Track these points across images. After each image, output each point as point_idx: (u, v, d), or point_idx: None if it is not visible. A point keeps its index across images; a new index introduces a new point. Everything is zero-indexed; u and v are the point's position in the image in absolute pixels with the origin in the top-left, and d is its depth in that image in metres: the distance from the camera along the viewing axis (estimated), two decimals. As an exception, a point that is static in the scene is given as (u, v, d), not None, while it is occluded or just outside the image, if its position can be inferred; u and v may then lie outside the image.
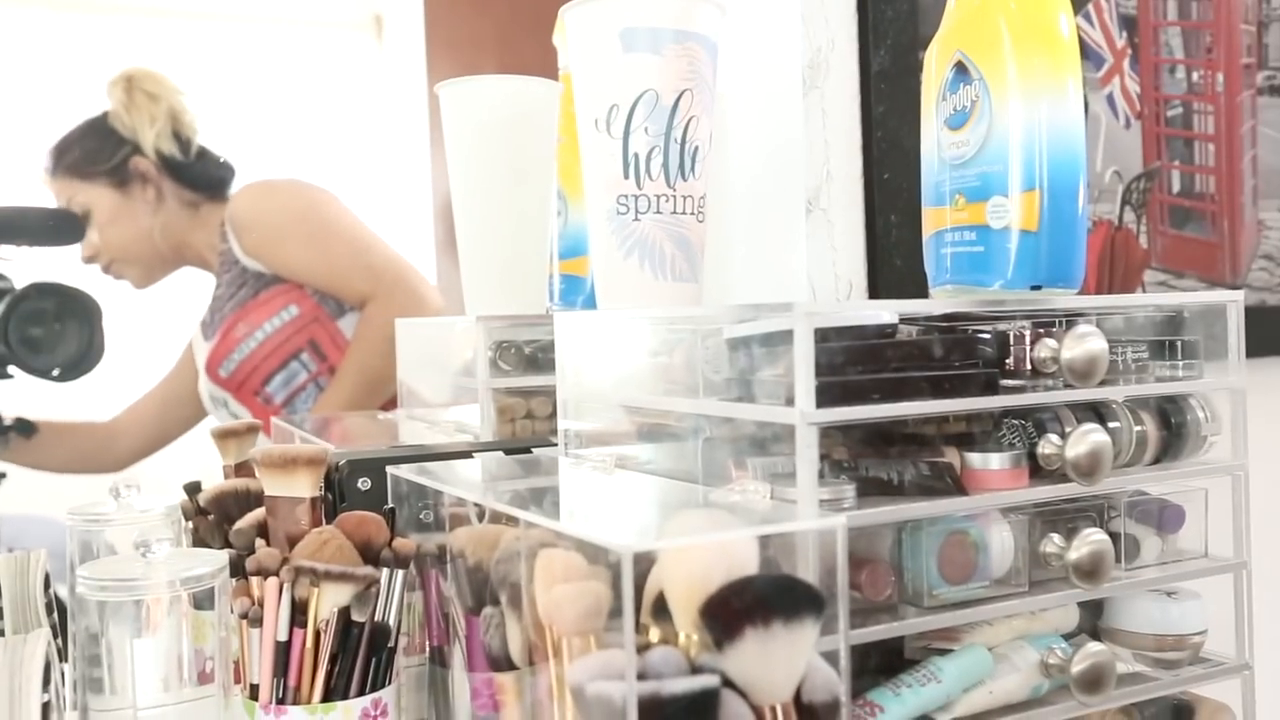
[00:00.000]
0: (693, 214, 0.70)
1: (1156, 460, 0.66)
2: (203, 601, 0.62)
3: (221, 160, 1.51)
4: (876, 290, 0.86)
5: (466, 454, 0.74)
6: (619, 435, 0.69)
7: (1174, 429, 0.66)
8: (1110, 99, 0.98)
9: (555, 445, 0.74)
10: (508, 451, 0.75)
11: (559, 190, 0.83)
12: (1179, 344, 0.67)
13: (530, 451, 0.75)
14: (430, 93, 1.41)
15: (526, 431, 0.83)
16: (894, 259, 0.87)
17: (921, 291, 0.88)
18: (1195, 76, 1.03)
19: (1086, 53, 0.97)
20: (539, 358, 0.83)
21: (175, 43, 2.32)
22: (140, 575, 0.59)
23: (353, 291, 1.39)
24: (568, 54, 0.74)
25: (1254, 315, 1.04)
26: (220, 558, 0.61)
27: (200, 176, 1.48)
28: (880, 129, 0.86)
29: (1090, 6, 0.97)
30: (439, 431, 0.90)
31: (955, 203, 0.64)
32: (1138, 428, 0.65)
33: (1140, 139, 1.00)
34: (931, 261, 0.68)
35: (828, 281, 0.85)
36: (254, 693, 0.58)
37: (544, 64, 0.90)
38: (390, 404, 1.33)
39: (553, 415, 0.76)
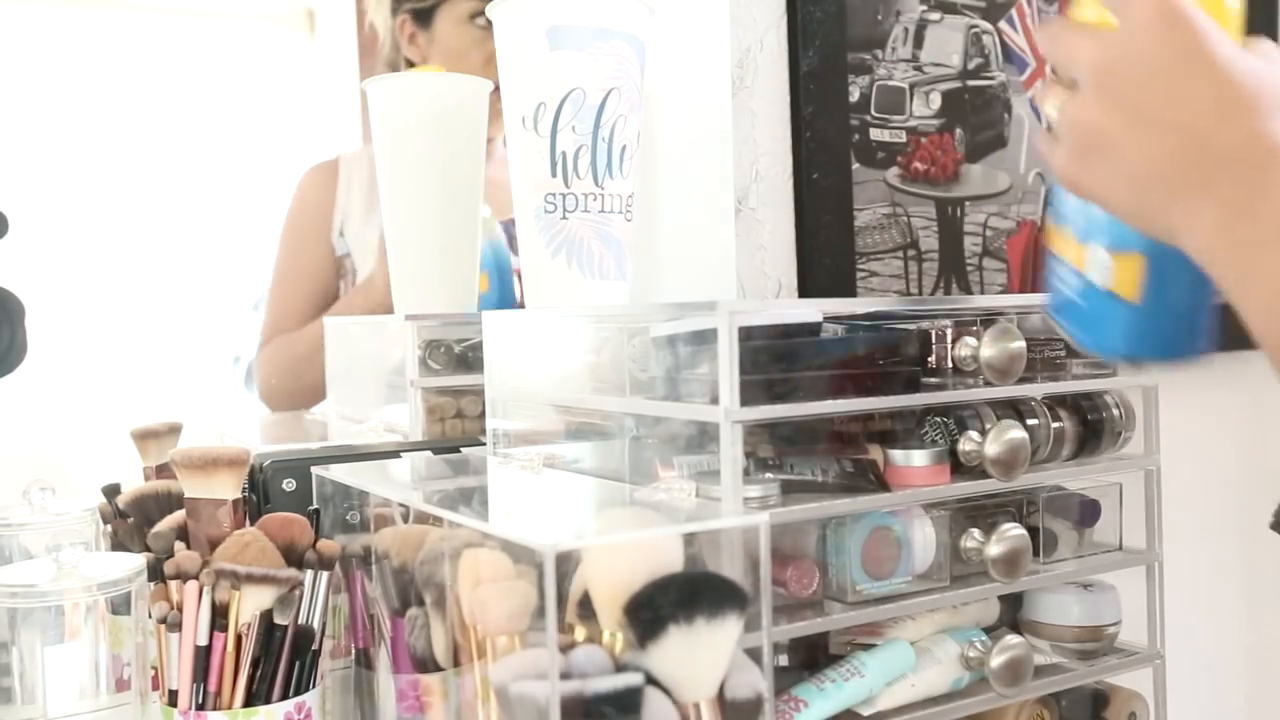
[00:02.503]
0: (621, 213, 0.71)
1: (1074, 456, 0.68)
2: (120, 607, 0.60)
3: None
4: (806, 289, 0.87)
5: (394, 454, 0.73)
6: (548, 434, 0.69)
7: (1090, 426, 0.68)
8: (1033, 102, 1.00)
9: (484, 445, 0.73)
10: (436, 451, 0.74)
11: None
12: (1095, 342, 0.68)
13: (458, 451, 0.75)
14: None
15: (456, 431, 0.82)
16: (823, 258, 0.88)
17: (850, 291, 0.89)
18: (1114, 81, 1.05)
19: (1010, 57, 0.99)
20: (469, 356, 0.82)
21: (100, 33, 2.27)
22: (52, 580, 0.57)
23: None
24: (496, 51, 0.74)
25: (1170, 314, 1.07)
26: (137, 561, 0.60)
27: None
28: (809, 129, 0.87)
29: (1014, 11, 0.99)
30: (368, 431, 0.89)
31: (1064, 233, 0.53)
32: (1055, 424, 0.66)
33: (1062, 142, 1.02)
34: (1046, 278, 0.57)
35: (757, 281, 0.85)
36: (172, 699, 0.57)
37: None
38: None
39: (483, 414, 0.75)
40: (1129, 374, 0.68)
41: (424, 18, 1.32)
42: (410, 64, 1.33)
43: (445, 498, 0.61)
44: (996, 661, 0.61)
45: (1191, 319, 0.51)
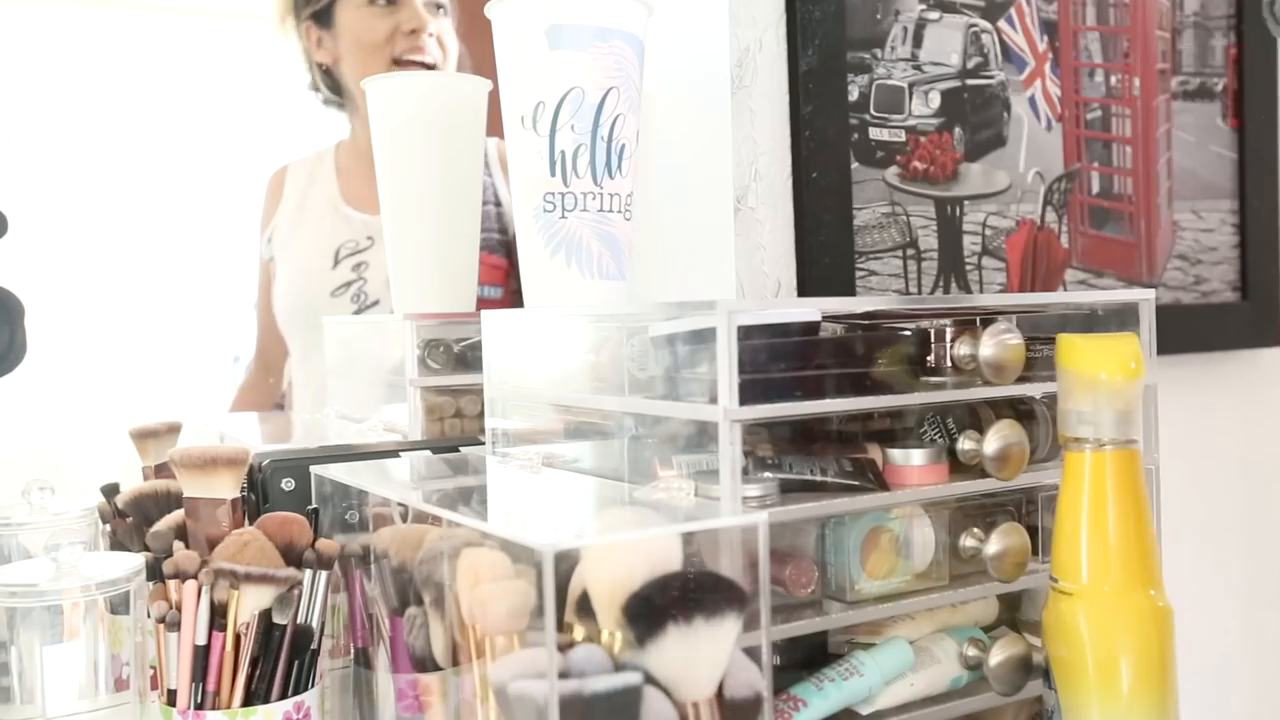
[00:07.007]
0: (620, 212, 0.71)
1: (1073, 455, 0.67)
2: (119, 606, 0.60)
3: None
4: (805, 288, 0.87)
5: (393, 453, 0.73)
6: (547, 434, 0.69)
7: (1090, 424, 0.67)
8: (1032, 101, 1.00)
9: (483, 444, 0.73)
10: (435, 450, 0.74)
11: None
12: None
13: (458, 450, 0.75)
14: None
15: (456, 430, 0.82)
16: (823, 257, 0.88)
17: (849, 290, 0.89)
18: (1113, 80, 1.05)
19: (1009, 56, 0.99)
20: (468, 356, 0.82)
21: (100, 33, 2.27)
22: (51, 580, 0.57)
23: None
24: (495, 50, 0.74)
25: (1168, 313, 1.07)
26: (136, 560, 0.60)
27: None
28: (808, 128, 0.87)
29: (1013, 10, 0.99)
30: (367, 431, 0.89)
31: None
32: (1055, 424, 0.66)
33: (1061, 141, 1.02)
34: None
35: (756, 280, 0.85)
36: (171, 698, 0.57)
37: (486, 61, 0.89)
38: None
39: (482, 414, 0.75)
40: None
41: (324, 18, 1.35)
42: (323, 68, 1.37)
43: (444, 497, 0.61)
44: (996, 661, 0.61)
45: None
